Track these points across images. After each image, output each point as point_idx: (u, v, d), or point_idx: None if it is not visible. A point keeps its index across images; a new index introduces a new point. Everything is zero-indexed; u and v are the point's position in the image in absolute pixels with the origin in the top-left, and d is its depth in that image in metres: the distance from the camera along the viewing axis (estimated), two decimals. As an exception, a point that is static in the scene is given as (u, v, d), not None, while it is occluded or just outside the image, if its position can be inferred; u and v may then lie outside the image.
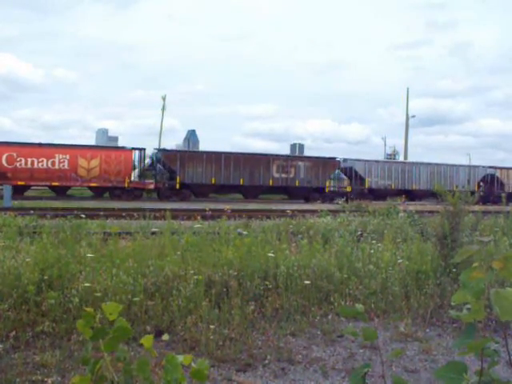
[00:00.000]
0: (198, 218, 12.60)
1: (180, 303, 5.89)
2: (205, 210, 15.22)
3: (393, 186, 41.85)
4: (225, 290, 6.44)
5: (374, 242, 9.23)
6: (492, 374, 1.39)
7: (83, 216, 12.73)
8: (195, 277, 6.36)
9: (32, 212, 15.30)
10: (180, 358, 1.48)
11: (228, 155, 37.18)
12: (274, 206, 27.18)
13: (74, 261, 6.66)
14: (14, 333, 5.21)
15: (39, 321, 5.47)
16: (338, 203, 25.57)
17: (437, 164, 44.70)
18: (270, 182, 37.39)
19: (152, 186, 35.06)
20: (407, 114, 58.16)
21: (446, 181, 42.53)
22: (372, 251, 8.28)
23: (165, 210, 13.79)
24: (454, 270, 7.13)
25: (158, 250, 7.90)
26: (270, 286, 6.70)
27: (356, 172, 41.34)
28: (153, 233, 9.81)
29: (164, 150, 37.55)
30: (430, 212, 16.33)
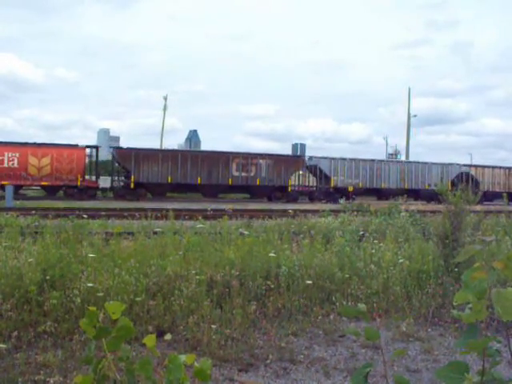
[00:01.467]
0: (200, 217, 12.61)
1: (182, 303, 5.89)
2: (206, 210, 15.23)
3: (360, 185, 40.31)
4: (227, 289, 6.44)
5: (375, 241, 9.23)
6: (494, 374, 1.39)
7: (85, 216, 12.74)
8: (197, 277, 6.37)
9: (34, 212, 15.30)
10: (183, 357, 1.49)
11: (185, 153, 36.21)
12: (274, 206, 27.19)
13: (75, 261, 6.67)
14: (16, 333, 5.21)
15: (41, 321, 5.48)
16: (339, 203, 25.51)
17: (408, 162, 43.59)
18: (230, 180, 36.12)
19: (105, 185, 34.13)
20: (409, 114, 58.12)
21: (418, 179, 41.93)
22: (373, 251, 8.28)
23: (167, 210, 13.79)
24: (456, 269, 7.12)
25: (160, 249, 7.90)
26: (272, 286, 6.70)
27: (321, 170, 39.86)
28: (155, 233, 9.82)
29: (118, 148, 36.13)
30: (432, 212, 16.32)
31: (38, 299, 5.72)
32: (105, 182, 36.03)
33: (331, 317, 6.34)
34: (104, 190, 35.17)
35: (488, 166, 46.14)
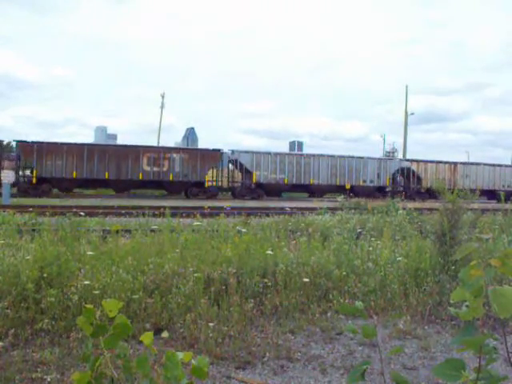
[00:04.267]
0: (197, 215, 12.61)
1: (179, 301, 5.89)
2: (203, 208, 15.24)
3: (286, 181, 38.44)
4: (224, 287, 6.44)
5: (372, 239, 9.24)
6: (490, 371, 1.39)
7: (82, 214, 12.73)
8: (194, 274, 6.37)
9: (31, 209, 15.29)
10: (180, 355, 1.49)
11: (91, 147, 34.90)
12: (271, 204, 27.21)
13: (73, 258, 6.66)
14: (13, 330, 5.20)
15: (38, 318, 5.48)
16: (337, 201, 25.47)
17: (340, 156, 41.21)
18: (140, 175, 34.89)
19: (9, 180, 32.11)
20: (406, 112, 58.21)
21: (351, 175, 40.05)
22: (371, 249, 8.30)
23: (164, 207, 13.79)
24: (453, 267, 7.14)
25: (157, 247, 7.90)
26: (269, 284, 6.70)
27: (242, 165, 37.89)
28: (152, 230, 9.82)
29: (20, 142, 34.32)
30: (429, 209, 16.36)
31: (35, 297, 5.71)
32: (9, 176, 33.57)
33: (328, 314, 6.35)
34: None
35: (431, 161, 44.35)
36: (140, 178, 34.93)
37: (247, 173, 38.08)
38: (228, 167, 39.83)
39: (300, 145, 57.92)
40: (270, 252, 7.35)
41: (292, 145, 57.71)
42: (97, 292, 5.71)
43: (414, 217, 13.26)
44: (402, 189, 41.83)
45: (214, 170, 38.03)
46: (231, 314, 5.82)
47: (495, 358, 1.42)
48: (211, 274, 6.65)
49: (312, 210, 16.56)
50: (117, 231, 8.85)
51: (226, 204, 19.26)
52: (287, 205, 23.19)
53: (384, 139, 77.74)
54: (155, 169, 35.34)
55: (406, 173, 42.80)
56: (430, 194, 40.25)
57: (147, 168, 35.14)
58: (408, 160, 44.22)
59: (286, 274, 6.84)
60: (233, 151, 38.78)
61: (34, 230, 9.71)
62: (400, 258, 7.74)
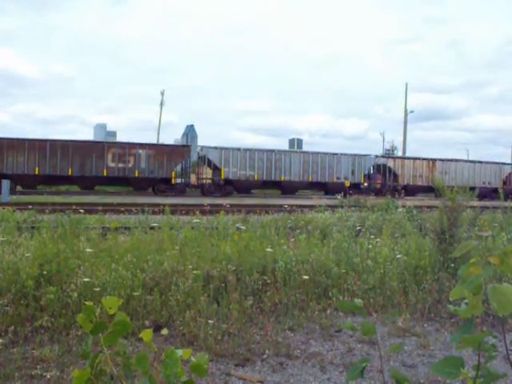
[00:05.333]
0: (197, 212, 12.62)
1: (179, 298, 5.90)
2: (204, 205, 15.24)
3: (256, 177, 37.44)
4: (223, 284, 6.45)
5: (372, 237, 9.24)
6: (489, 369, 1.39)
7: (82, 211, 12.72)
8: (194, 272, 6.37)
9: (30, 207, 15.28)
10: (179, 352, 1.49)
11: (54, 143, 33.60)
12: (270, 201, 27.21)
13: (72, 256, 6.66)
14: (12, 327, 5.21)
15: (38, 315, 5.48)
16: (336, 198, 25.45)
17: (313, 152, 40.26)
18: (105, 172, 33.81)
19: None
20: (406, 109, 58.17)
21: (324, 171, 39.33)
22: (370, 246, 8.30)
23: (164, 205, 13.80)
24: (452, 265, 7.15)
25: (157, 244, 7.90)
26: (269, 281, 6.71)
27: (210, 161, 37.04)
28: (151, 228, 9.82)
29: None
30: (429, 207, 16.36)
31: (35, 294, 5.72)
32: None
33: (328, 312, 6.35)
34: None
35: (408, 158, 43.69)
36: (105, 174, 34.02)
37: (216, 169, 37.32)
38: (198, 163, 39.36)
39: (300, 142, 57.91)
40: (269, 249, 7.36)
41: (292, 142, 57.72)
42: (96, 289, 5.71)
43: (414, 214, 13.25)
44: (378, 186, 41.26)
45: (183, 167, 37.38)
46: (230, 311, 5.83)
47: (494, 355, 1.42)
48: (211, 271, 6.65)
49: (311, 207, 16.56)
50: (115, 228, 8.85)
51: (226, 202, 19.26)
52: (286, 202, 23.20)
53: (383, 137, 77.77)
54: (120, 165, 34.48)
55: (382, 170, 41.86)
56: (408, 191, 39.71)
57: (112, 164, 34.27)
58: (384, 156, 43.47)
59: (285, 271, 6.84)
60: (202, 147, 38.30)
61: (33, 227, 9.72)
62: (399, 256, 7.75)
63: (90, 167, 33.74)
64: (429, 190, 39.05)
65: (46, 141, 33.65)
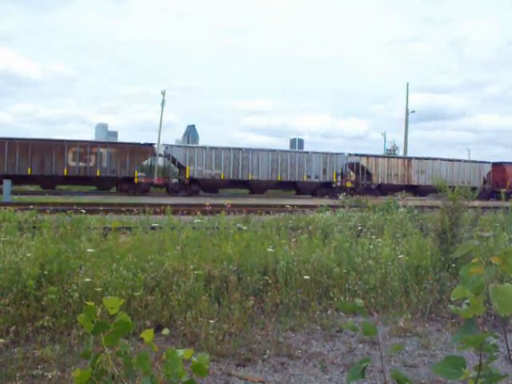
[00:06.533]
0: (198, 212, 12.61)
1: (180, 298, 5.90)
2: (204, 205, 15.24)
3: (222, 176, 36.68)
4: (224, 284, 6.45)
5: (373, 237, 9.24)
6: (491, 369, 1.39)
7: (83, 211, 12.72)
8: (195, 272, 6.37)
9: (31, 207, 15.28)
10: (180, 352, 1.49)
11: (13, 141, 32.69)
12: (271, 202, 27.20)
13: (74, 256, 6.67)
14: (14, 327, 5.21)
15: (39, 315, 5.49)
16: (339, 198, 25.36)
17: (282, 151, 39.55)
18: (65, 171, 33.06)
19: None
20: (407, 109, 58.06)
21: (294, 170, 38.38)
22: (371, 246, 8.29)
23: (165, 205, 13.80)
24: (454, 265, 7.14)
25: (158, 245, 7.91)
26: (270, 281, 6.71)
27: (174, 159, 36.52)
28: (152, 228, 9.82)
29: None
30: (430, 207, 16.35)
31: (36, 294, 5.72)
32: None
33: (329, 312, 6.35)
34: None
35: (382, 156, 42.92)
36: (65, 173, 33.36)
37: (181, 168, 36.88)
38: (164, 162, 38.76)
39: (300, 142, 57.89)
40: (270, 249, 7.36)
41: (293, 142, 57.73)
42: (98, 289, 5.71)
43: (415, 214, 13.23)
44: (350, 185, 40.17)
45: (147, 166, 36.98)
46: (232, 311, 5.83)
47: (496, 355, 1.42)
48: (212, 271, 6.65)
49: (313, 207, 16.55)
50: (116, 228, 8.85)
51: (226, 202, 19.26)
52: (287, 202, 23.21)
53: (385, 137, 77.63)
54: (81, 164, 33.77)
55: (355, 168, 41.12)
56: (382, 190, 38.89)
57: (73, 163, 33.59)
58: (357, 155, 42.08)
59: (286, 271, 6.84)
60: (166, 146, 37.72)
61: (34, 227, 9.72)
62: (401, 256, 7.74)
63: (49, 166, 33.03)
64: (404, 188, 37.54)
65: (4, 139, 32.87)
